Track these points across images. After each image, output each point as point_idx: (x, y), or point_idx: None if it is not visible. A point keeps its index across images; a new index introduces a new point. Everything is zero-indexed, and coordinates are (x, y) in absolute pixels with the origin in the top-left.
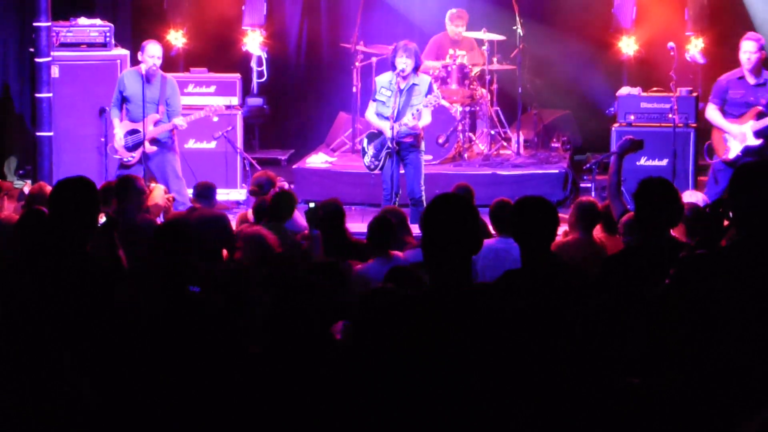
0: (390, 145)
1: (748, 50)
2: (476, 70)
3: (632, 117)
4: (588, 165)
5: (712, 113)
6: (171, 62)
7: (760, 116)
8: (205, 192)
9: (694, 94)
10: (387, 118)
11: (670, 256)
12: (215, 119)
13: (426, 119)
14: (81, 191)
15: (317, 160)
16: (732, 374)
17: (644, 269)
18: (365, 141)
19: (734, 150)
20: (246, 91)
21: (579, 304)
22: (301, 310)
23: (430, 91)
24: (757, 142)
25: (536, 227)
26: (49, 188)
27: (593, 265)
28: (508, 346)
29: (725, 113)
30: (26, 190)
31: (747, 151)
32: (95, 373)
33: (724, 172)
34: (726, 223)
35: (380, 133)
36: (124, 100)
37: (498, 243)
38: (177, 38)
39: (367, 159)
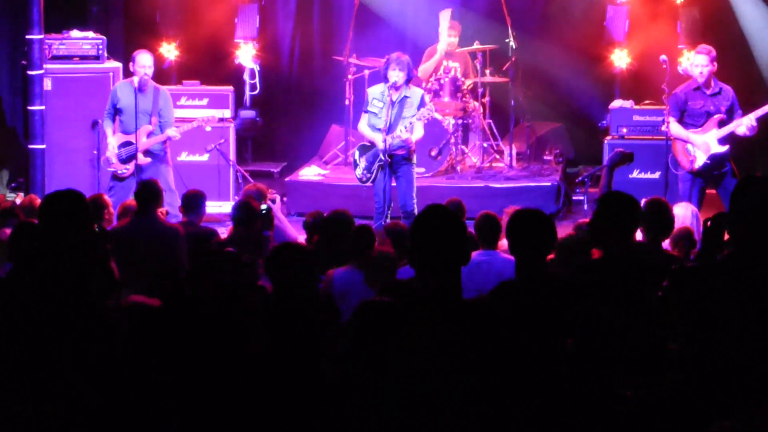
0: (382, 158)
1: (700, 64)
2: (469, 82)
3: (625, 130)
4: (580, 178)
5: (674, 127)
6: (163, 75)
7: (721, 124)
8: (192, 202)
9: None
10: (379, 130)
11: (632, 267)
12: (208, 129)
13: (418, 132)
14: (70, 204)
15: (310, 172)
16: (725, 382)
17: (615, 282)
18: (357, 153)
19: (700, 159)
20: (239, 104)
21: (569, 313)
22: (301, 313)
23: (422, 103)
24: (723, 149)
25: (532, 239)
26: (39, 201)
27: None
28: (502, 355)
29: (685, 124)
30: (18, 202)
31: (713, 158)
32: (93, 380)
33: (691, 182)
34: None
35: (372, 145)
36: (117, 111)
37: (481, 256)
38: (170, 51)
39: (359, 171)
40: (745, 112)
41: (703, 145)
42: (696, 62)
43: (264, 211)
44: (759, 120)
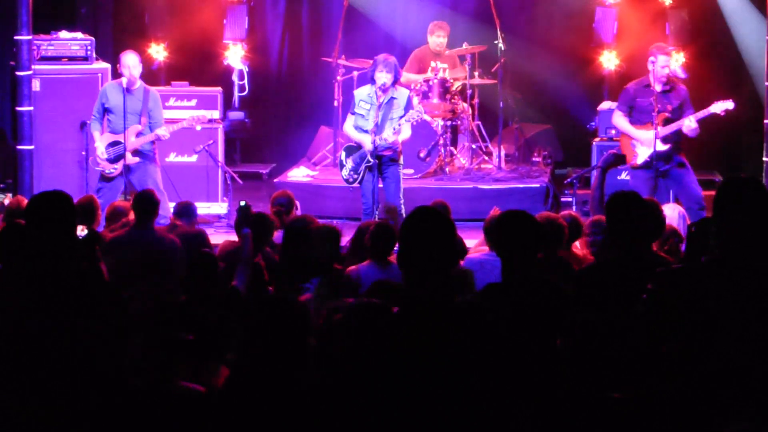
0: (370, 159)
1: (666, 64)
2: (457, 84)
3: (613, 131)
4: (569, 179)
5: (619, 120)
6: (152, 76)
7: (666, 122)
8: (185, 211)
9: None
10: (366, 132)
11: (646, 271)
12: (198, 128)
13: (406, 133)
14: (57, 205)
15: (298, 173)
16: (712, 383)
17: (618, 283)
18: (343, 154)
19: (642, 155)
20: (227, 105)
21: (559, 319)
22: (280, 321)
23: (409, 103)
24: (665, 147)
25: (518, 241)
26: (26, 202)
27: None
28: (492, 357)
29: (633, 120)
30: (6, 203)
31: (655, 155)
32: (86, 381)
33: (636, 178)
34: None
35: (359, 146)
36: (106, 111)
37: (486, 255)
38: (158, 52)
39: (345, 172)
40: (734, 115)
41: (646, 141)
42: (663, 63)
43: (242, 207)
44: (700, 121)
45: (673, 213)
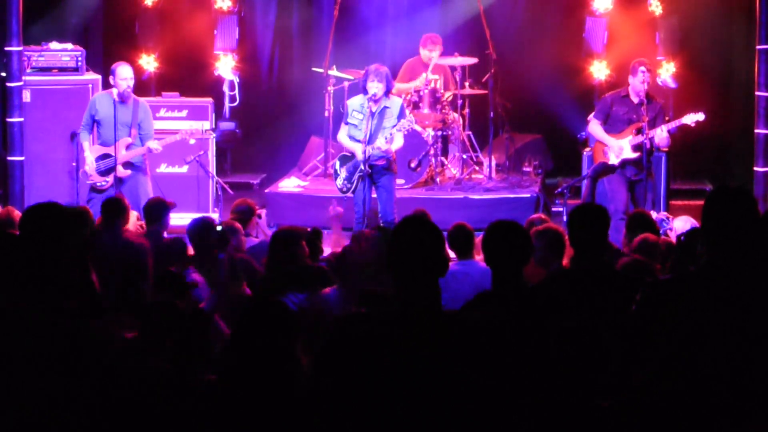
0: (363, 168)
1: (646, 80)
2: (448, 94)
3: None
4: (560, 189)
5: (595, 127)
6: (143, 86)
7: (639, 132)
8: (154, 212)
9: (666, 119)
10: (359, 141)
11: (603, 280)
12: (192, 141)
13: (398, 142)
14: (51, 216)
15: (289, 184)
16: (699, 396)
17: (569, 294)
18: (337, 163)
19: (612, 161)
20: (218, 116)
21: (550, 327)
22: (266, 331)
23: (401, 112)
24: (634, 155)
25: (508, 251)
26: (16, 212)
27: None
28: (482, 366)
29: (606, 129)
30: None
31: (624, 163)
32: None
33: (608, 182)
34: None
35: (352, 155)
36: (96, 123)
37: (456, 266)
38: (149, 62)
39: (339, 181)
40: (724, 124)
41: (617, 148)
42: (643, 79)
43: (219, 232)
44: (671, 132)
45: (685, 225)
